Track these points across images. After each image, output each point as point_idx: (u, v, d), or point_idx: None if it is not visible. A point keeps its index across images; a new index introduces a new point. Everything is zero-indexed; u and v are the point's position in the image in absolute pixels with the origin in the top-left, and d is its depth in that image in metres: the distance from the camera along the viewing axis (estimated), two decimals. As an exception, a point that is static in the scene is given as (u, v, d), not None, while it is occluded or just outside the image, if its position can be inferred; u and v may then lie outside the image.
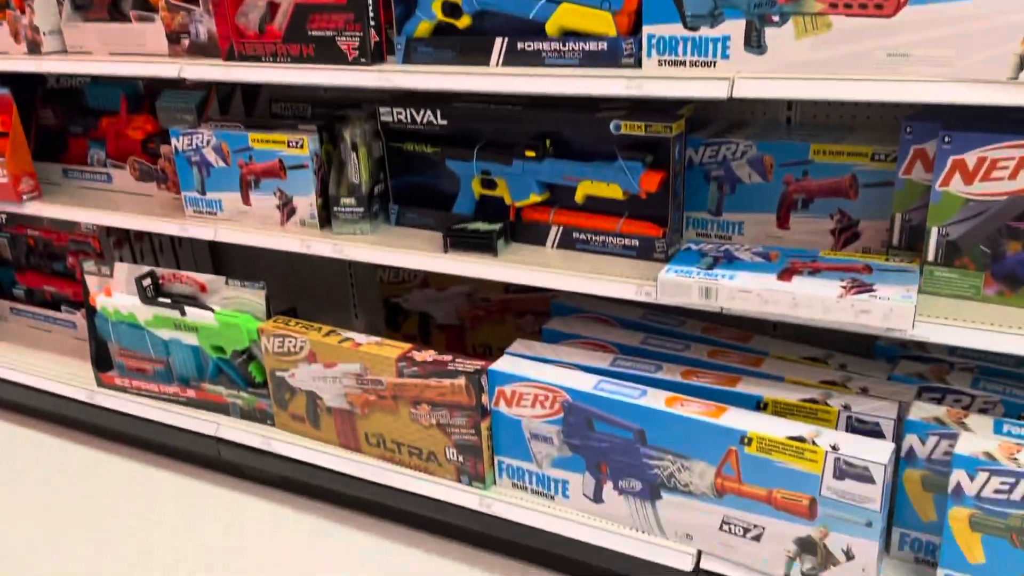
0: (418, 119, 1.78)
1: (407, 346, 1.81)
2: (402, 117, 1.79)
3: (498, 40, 1.54)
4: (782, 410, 1.52)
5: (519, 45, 1.52)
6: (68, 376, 2.32)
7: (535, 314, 2.11)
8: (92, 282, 2.16)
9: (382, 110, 1.81)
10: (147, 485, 2.16)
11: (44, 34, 2.03)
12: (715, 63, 1.37)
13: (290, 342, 1.90)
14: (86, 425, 2.35)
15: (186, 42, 1.86)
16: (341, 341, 1.85)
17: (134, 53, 1.94)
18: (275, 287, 2.00)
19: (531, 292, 2.07)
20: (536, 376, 1.65)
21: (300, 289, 2.53)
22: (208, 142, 1.93)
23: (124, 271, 2.09)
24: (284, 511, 2.03)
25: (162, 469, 2.21)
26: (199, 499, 2.10)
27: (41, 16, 2.02)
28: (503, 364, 1.70)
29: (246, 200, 1.96)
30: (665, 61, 1.41)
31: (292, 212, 1.92)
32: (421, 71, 1.59)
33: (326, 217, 1.91)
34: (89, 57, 2.00)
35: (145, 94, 2.25)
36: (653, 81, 1.39)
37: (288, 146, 1.86)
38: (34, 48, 2.05)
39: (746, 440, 1.43)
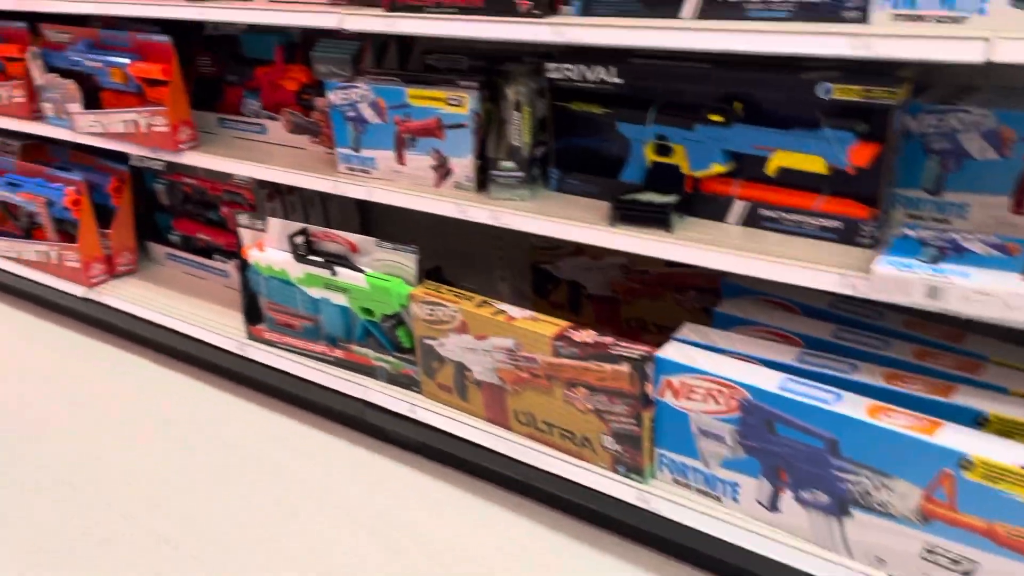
0: (589, 76, 1.62)
1: (564, 324, 1.68)
2: (571, 74, 1.63)
3: (693, -11, 1.35)
4: (1009, 429, 1.30)
5: (718, -6, 1.33)
6: (219, 326, 2.35)
7: (698, 290, 1.94)
8: (245, 235, 2.15)
9: (549, 66, 1.65)
10: (292, 440, 2.17)
11: (204, -20, 1.99)
12: (966, 19, 1.14)
13: (441, 311, 1.82)
14: (234, 375, 2.38)
15: (347, -10, 1.77)
16: (495, 313, 1.75)
17: (293, 0, 1.87)
18: (419, 242, 1.92)
19: (696, 266, 1.90)
20: (710, 369, 1.49)
21: (445, 247, 2.45)
22: (365, 97, 1.85)
23: (277, 226, 2.06)
24: (426, 480, 1.99)
25: (308, 425, 2.21)
26: (343, 458, 2.08)
27: (202, -38, 1.97)
28: (672, 352, 1.55)
29: (401, 159, 1.87)
30: (901, 16, 1.19)
31: (447, 174, 1.82)
32: (601, 24, 1.43)
33: (483, 180, 1.80)
34: (248, 4, 1.93)
35: (300, 44, 2.19)
36: (886, 40, 1.17)
37: (448, 104, 1.75)
38: (194, -5, 2.01)
39: (966, 464, 1.23)
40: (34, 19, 2.54)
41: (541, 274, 2.21)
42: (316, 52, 2.06)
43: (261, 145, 2.24)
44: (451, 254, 2.42)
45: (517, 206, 1.72)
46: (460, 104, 1.73)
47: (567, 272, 2.15)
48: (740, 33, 1.28)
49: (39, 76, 2.50)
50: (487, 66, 1.97)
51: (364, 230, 2.64)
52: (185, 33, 2.32)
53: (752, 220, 1.53)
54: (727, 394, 1.47)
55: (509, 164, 1.72)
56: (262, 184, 2.35)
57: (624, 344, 1.58)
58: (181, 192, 2.60)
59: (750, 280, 1.74)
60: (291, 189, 2.41)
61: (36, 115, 2.62)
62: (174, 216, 2.67)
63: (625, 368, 1.55)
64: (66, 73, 2.42)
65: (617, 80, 1.59)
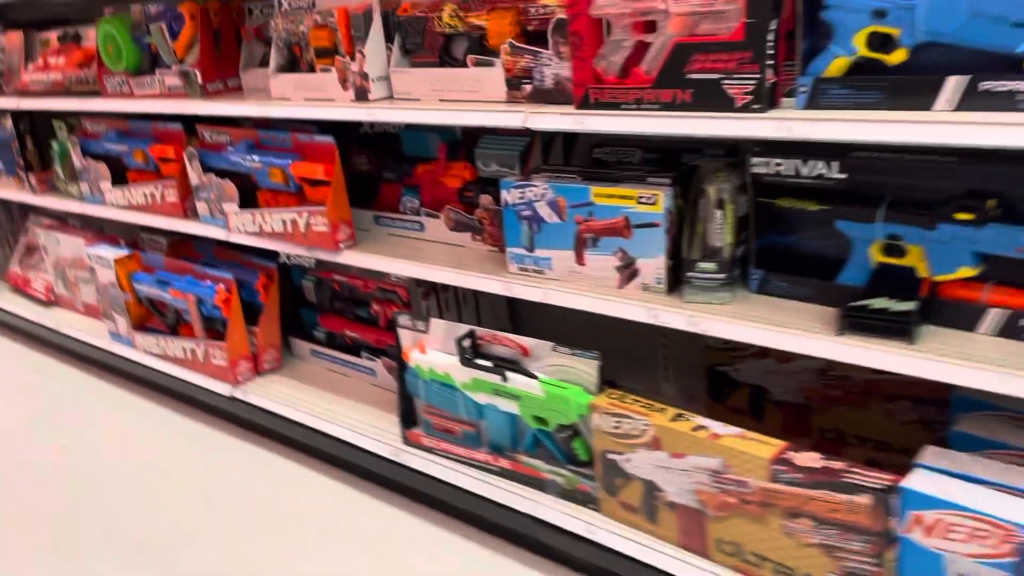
0: (804, 172, 1.48)
1: (781, 444, 1.51)
2: (782, 169, 1.50)
3: (951, 79, 1.20)
4: None
5: (983, 85, 1.18)
6: (371, 428, 2.25)
7: (914, 400, 1.73)
8: (405, 336, 2.06)
9: (755, 160, 1.53)
10: (452, 555, 2.02)
11: (372, 80, 1.96)
12: None
13: (629, 424, 1.67)
14: (388, 480, 2.27)
15: (528, 88, 1.70)
16: (694, 429, 1.59)
17: (466, 100, 1.81)
18: (574, 337, 1.79)
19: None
20: (972, 505, 1.28)
21: (601, 341, 2.31)
22: (543, 196, 1.75)
23: (441, 328, 1.97)
24: (605, 607, 1.80)
25: (470, 540, 2.06)
26: (509, 579, 1.93)
27: (371, 62, 1.95)
28: (921, 482, 1.35)
29: (580, 260, 1.75)
30: None
31: (633, 275, 1.70)
32: (834, 119, 1.29)
33: (674, 282, 1.66)
34: (418, 104, 1.89)
35: (462, 140, 2.13)
36: None
37: (638, 202, 1.63)
38: (362, 95, 1.98)
39: None
40: (189, 120, 2.59)
41: (718, 376, 2.04)
42: (480, 149, 2.00)
43: (419, 243, 2.17)
44: (607, 348, 2.28)
45: (717, 311, 1.58)
46: (653, 203, 1.62)
47: (749, 375, 1.98)
48: (1019, 127, 1.12)
49: (195, 176, 2.53)
50: (662, 158, 1.87)
51: (514, 327, 2.54)
52: (342, 131, 2.31)
53: (1011, 330, 1.34)
54: (1000, 535, 1.25)
55: (709, 266, 1.59)
56: (418, 282, 2.27)
57: (860, 471, 1.39)
58: (330, 289, 2.55)
59: (983, 393, 1.54)
60: (446, 287, 2.34)
61: (188, 214, 2.65)
62: (320, 312, 2.62)
63: (865, 500, 1.36)
64: (222, 173, 2.44)
65: (839, 175, 1.45)
